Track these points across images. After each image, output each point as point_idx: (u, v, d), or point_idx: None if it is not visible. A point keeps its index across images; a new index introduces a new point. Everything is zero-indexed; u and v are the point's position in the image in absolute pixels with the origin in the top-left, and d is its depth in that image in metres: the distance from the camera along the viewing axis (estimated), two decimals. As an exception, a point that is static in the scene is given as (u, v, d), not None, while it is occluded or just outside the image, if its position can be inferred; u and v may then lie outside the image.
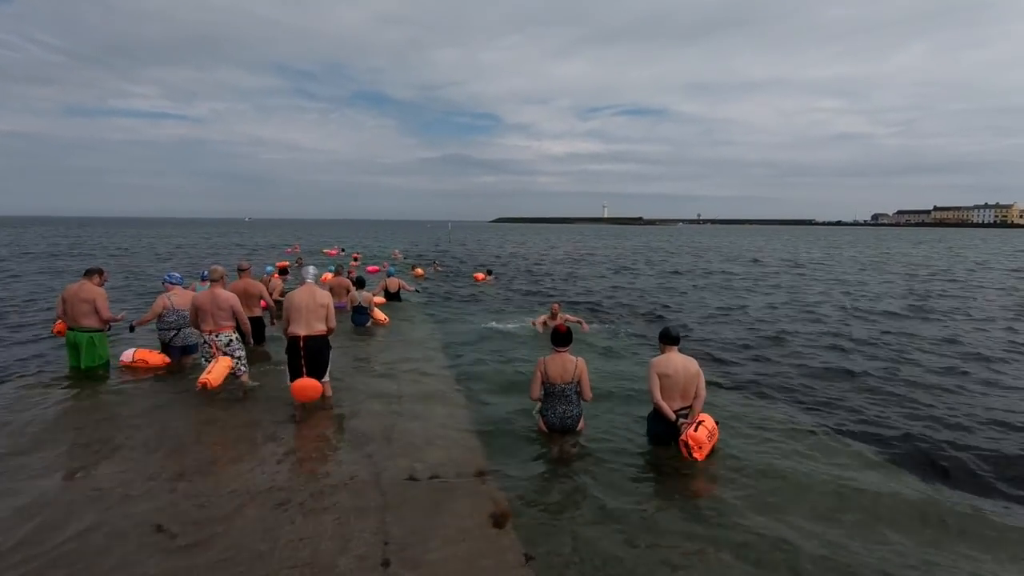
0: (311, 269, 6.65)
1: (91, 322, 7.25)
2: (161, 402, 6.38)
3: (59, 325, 7.61)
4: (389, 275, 14.91)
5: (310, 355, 6.11)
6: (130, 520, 3.84)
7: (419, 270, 21.54)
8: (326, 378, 6.33)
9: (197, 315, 6.68)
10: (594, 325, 11.51)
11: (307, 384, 6.02)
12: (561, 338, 5.49)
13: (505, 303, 15.13)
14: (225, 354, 6.65)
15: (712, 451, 5.06)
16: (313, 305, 6.18)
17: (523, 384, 7.11)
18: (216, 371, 6.43)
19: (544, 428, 5.51)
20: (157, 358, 7.72)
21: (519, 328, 10.92)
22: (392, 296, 13.96)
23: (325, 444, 5.25)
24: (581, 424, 5.54)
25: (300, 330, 6.10)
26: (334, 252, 33.42)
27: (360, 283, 11.39)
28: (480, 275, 20.39)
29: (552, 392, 5.40)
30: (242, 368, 6.77)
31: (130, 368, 7.55)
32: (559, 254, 39.04)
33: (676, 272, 25.84)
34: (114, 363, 7.61)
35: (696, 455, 4.93)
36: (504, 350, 9.08)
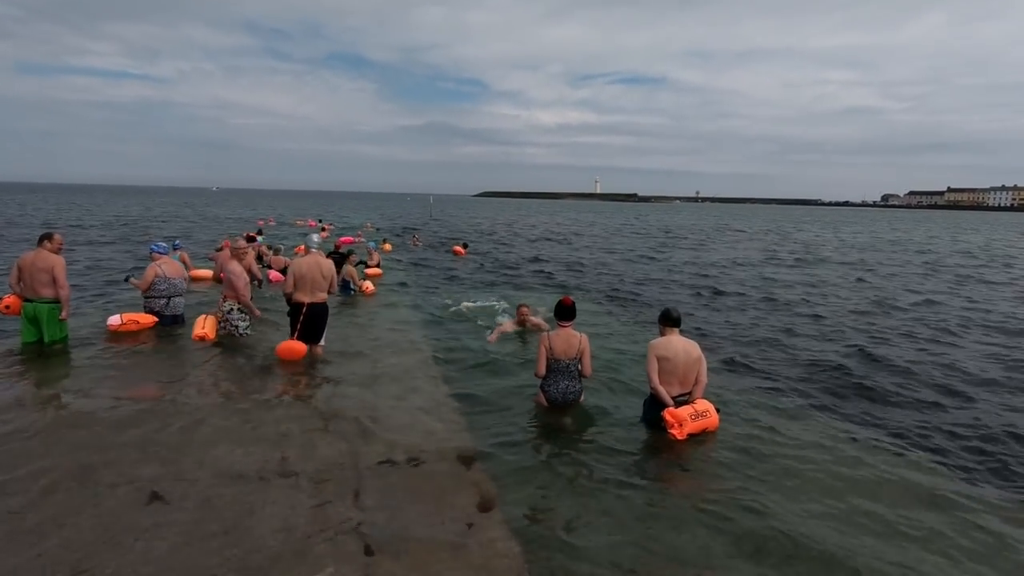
0: (315, 237, 7.50)
1: (51, 292, 7.13)
2: (134, 375, 6.44)
3: (10, 299, 7.19)
4: (371, 249, 15.87)
5: (311, 320, 7.11)
6: (84, 495, 3.80)
7: (387, 245, 21.76)
8: (322, 342, 7.34)
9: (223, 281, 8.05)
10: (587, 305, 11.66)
11: (293, 347, 6.97)
12: (567, 312, 5.62)
13: (482, 279, 15.64)
14: (227, 320, 7.87)
15: (702, 435, 5.05)
16: (317, 275, 7.12)
17: (503, 363, 7.27)
18: (208, 325, 7.77)
19: (544, 402, 5.66)
20: (147, 318, 8.17)
21: (496, 308, 11.06)
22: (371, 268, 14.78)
23: (301, 425, 5.23)
24: (582, 398, 5.75)
25: (305, 297, 7.09)
26: (312, 223, 33.47)
27: (346, 256, 12.42)
28: (459, 248, 21.78)
29: (557, 367, 5.56)
30: (247, 334, 7.91)
31: (118, 333, 7.86)
32: (544, 230, 39.00)
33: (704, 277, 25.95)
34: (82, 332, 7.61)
35: (675, 432, 4.91)
36: (482, 330, 9.14)
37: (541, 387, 5.71)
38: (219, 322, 7.92)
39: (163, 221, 36.12)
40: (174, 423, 5.14)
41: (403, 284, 13.93)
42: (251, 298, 8.12)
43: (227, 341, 7.81)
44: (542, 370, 5.60)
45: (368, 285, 12.05)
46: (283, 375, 6.67)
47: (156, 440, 4.78)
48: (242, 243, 9.73)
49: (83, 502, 3.80)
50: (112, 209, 49.11)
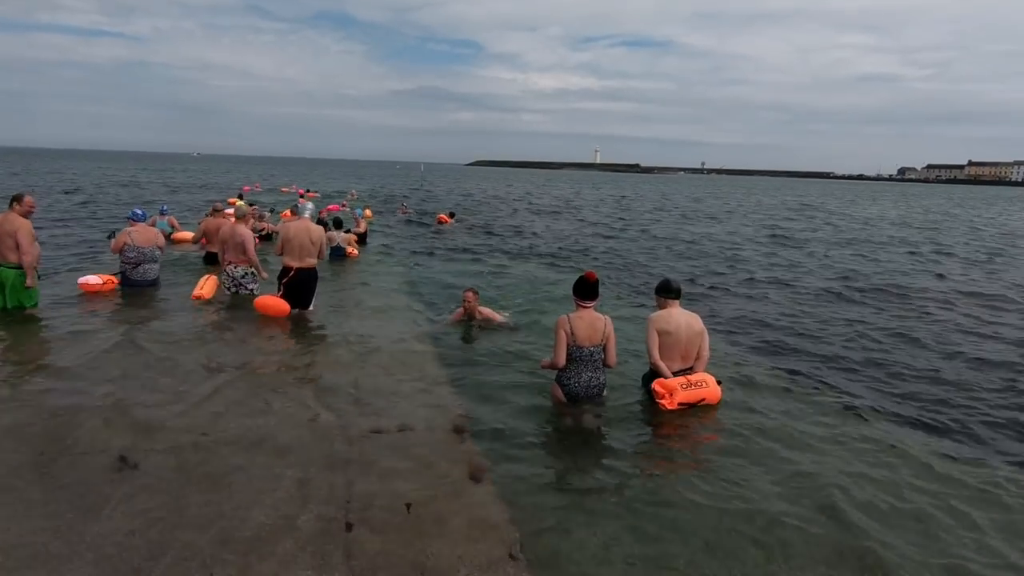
0: (309, 205, 8.11)
1: (17, 258, 7.03)
2: (115, 339, 6.49)
3: None
4: (356, 217, 15.95)
5: (299, 285, 7.58)
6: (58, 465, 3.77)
7: (368, 211, 21.76)
8: (311, 308, 7.85)
9: (222, 247, 8.80)
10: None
11: (267, 302, 7.48)
12: (590, 289, 4.98)
13: (469, 248, 15.90)
14: (239, 284, 8.55)
15: (704, 408, 5.04)
16: (306, 240, 7.56)
17: (492, 336, 7.18)
18: (207, 286, 8.40)
19: (562, 398, 5.08)
20: (112, 280, 8.68)
21: (481, 275, 11.20)
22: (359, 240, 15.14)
23: (284, 393, 5.23)
24: (604, 394, 5.20)
25: (294, 262, 7.55)
26: (301, 192, 33.50)
27: (338, 224, 13.03)
28: (444, 216, 21.91)
29: (578, 356, 4.96)
30: (257, 294, 8.40)
31: (93, 293, 8.27)
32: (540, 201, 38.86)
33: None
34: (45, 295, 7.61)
35: (664, 403, 4.92)
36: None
37: (558, 380, 5.11)
38: (229, 286, 8.54)
39: (124, 186, 35.61)
40: (151, 389, 5.14)
41: (388, 252, 14.24)
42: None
43: (214, 305, 8.14)
44: (562, 359, 4.95)
45: (352, 250, 12.60)
46: (268, 343, 6.70)
47: (130, 407, 4.76)
48: (239, 208, 10.14)
49: (56, 472, 3.78)
50: (113, 176, 48.35)
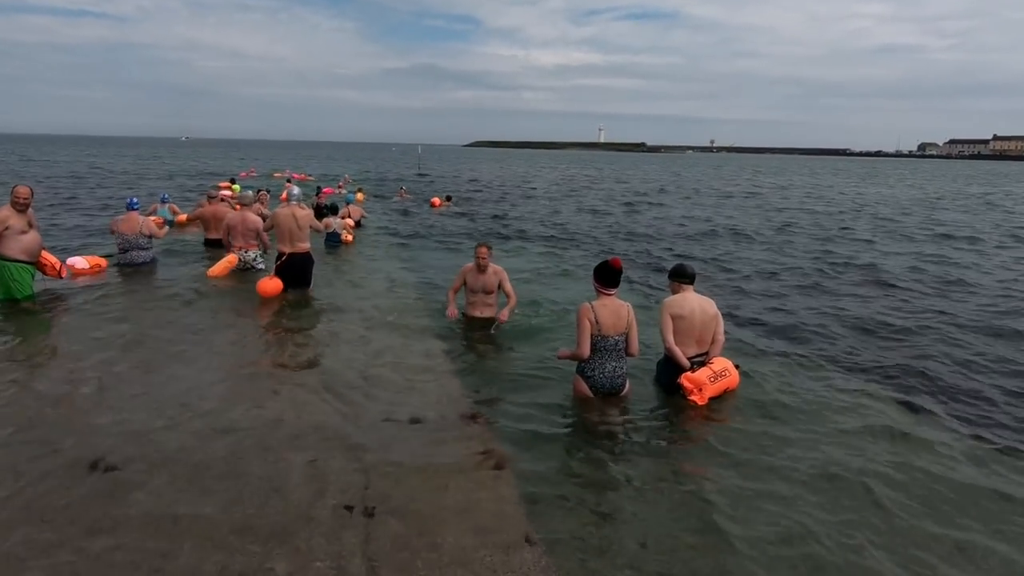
0: (295, 190, 8.69)
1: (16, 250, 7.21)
2: (115, 328, 6.66)
3: None
4: (348, 203, 16.09)
5: (292, 268, 8.07)
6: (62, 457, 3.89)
7: (360, 194, 21.83)
8: (310, 289, 8.33)
9: (229, 233, 9.45)
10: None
11: (271, 286, 7.80)
12: (614, 276, 4.94)
13: (468, 231, 16.10)
14: (251, 266, 9.45)
15: (724, 397, 5.13)
16: (293, 225, 8.07)
17: (502, 327, 7.06)
18: (220, 266, 9.15)
19: (588, 392, 5.04)
20: (100, 262, 9.39)
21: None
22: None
23: (291, 382, 5.32)
24: (627, 386, 5.18)
25: (286, 248, 8.11)
26: (295, 176, 33.74)
27: (334, 209, 13.25)
28: (437, 200, 22.08)
29: (603, 346, 4.92)
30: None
31: (81, 274, 8.87)
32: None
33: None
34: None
35: (695, 398, 4.98)
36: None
37: (580, 372, 5.08)
38: (240, 267, 9.40)
39: (123, 174, 35.57)
40: (157, 373, 5.32)
41: (388, 235, 14.70)
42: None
43: (217, 294, 8.36)
44: (586, 350, 4.90)
45: (347, 236, 12.82)
46: (272, 333, 6.80)
47: (139, 393, 4.92)
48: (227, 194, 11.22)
49: (61, 460, 3.90)
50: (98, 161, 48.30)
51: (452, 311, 7.06)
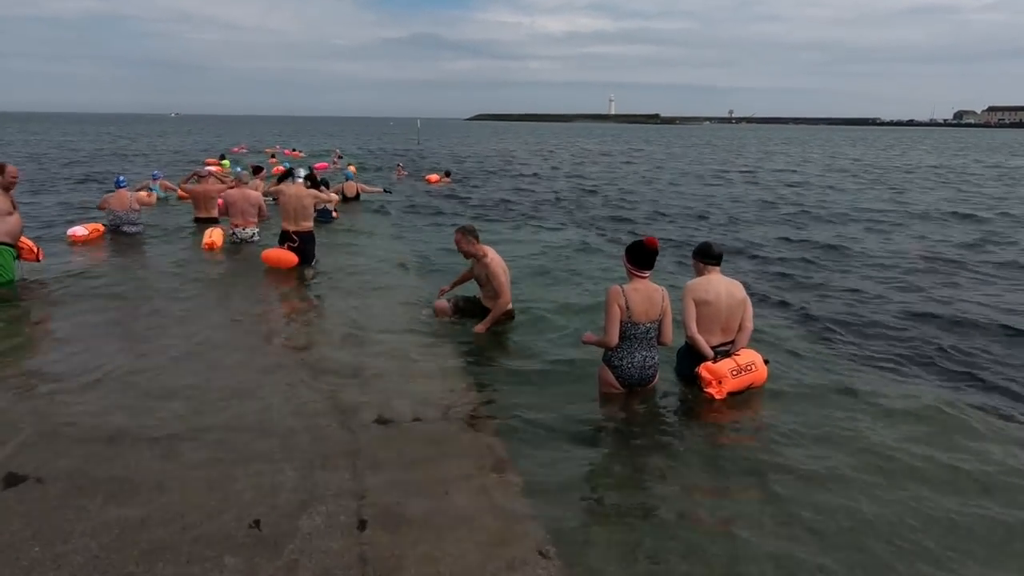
0: (300, 170, 9.69)
1: None
2: (103, 314, 6.75)
3: None
4: (347, 179, 16.54)
5: (296, 248, 8.63)
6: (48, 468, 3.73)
7: (352, 167, 21.79)
8: (313, 265, 8.85)
9: (228, 210, 10.07)
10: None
11: (281, 256, 8.51)
12: (648, 257, 4.65)
13: (466, 211, 16.12)
14: (250, 243, 10.03)
15: (747, 391, 4.90)
16: (299, 204, 8.69)
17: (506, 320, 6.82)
18: (216, 235, 9.85)
19: (615, 384, 4.83)
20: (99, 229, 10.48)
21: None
22: (350, 199, 16.03)
23: (280, 379, 5.18)
24: (656, 378, 4.96)
25: (290, 226, 8.71)
26: (288, 152, 33.94)
27: (325, 185, 13.74)
28: (433, 176, 21.89)
29: (633, 334, 4.67)
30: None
31: (79, 242, 9.90)
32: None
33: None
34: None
35: (712, 391, 4.77)
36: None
37: (607, 361, 4.83)
38: (234, 242, 10.06)
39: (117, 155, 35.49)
40: (138, 367, 5.26)
41: (381, 214, 14.98)
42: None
43: (209, 279, 8.52)
44: (615, 337, 4.65)
45: (335, 212, 13.31)
46: (264, 323, 6.79)
47: (118, 387, 4.86)
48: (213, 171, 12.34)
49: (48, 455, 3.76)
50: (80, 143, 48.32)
51: (439, 303, 6.75)
